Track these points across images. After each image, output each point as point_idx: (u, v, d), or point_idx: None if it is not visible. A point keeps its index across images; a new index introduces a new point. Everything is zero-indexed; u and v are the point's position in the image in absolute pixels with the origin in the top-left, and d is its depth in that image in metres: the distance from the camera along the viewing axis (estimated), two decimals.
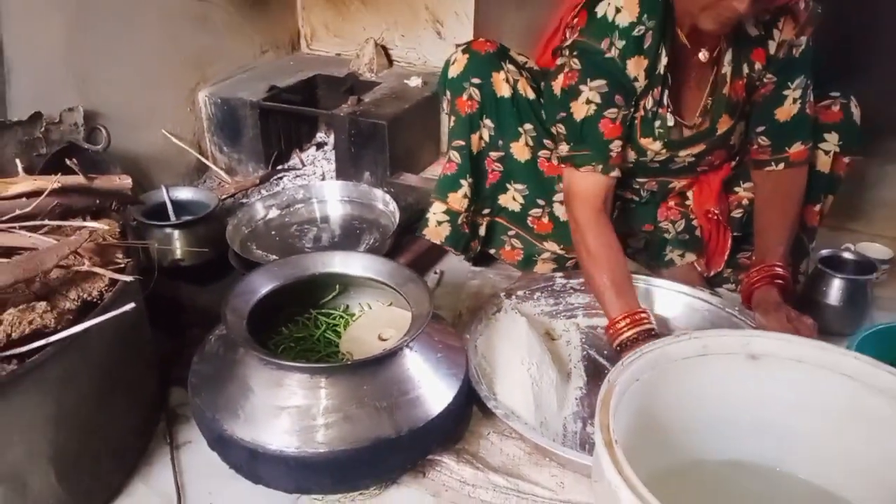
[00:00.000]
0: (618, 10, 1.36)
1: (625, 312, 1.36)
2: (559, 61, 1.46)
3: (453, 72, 1.59)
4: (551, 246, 1.71)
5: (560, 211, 1.65)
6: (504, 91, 1.57)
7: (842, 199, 1.69)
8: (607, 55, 1.38)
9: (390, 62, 2.66)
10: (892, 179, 1.99)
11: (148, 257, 1.49)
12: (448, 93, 1.61)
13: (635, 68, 1.39)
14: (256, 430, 1.10)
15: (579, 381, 1.46)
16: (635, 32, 1.36)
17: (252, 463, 1.12)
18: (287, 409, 1.11)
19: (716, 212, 1.62)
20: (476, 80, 1.57)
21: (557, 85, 1.46)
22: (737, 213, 1.66)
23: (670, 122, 1.47)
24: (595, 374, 1.47)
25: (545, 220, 1.68)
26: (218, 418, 1.13)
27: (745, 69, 1.47)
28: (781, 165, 1.52)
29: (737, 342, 0.96)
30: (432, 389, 1.18)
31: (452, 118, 1.62)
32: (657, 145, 1.50)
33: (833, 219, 1.79)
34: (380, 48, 2.61)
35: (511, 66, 1.58)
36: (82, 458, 1.13)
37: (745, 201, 1.64)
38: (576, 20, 1.43)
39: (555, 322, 1.62)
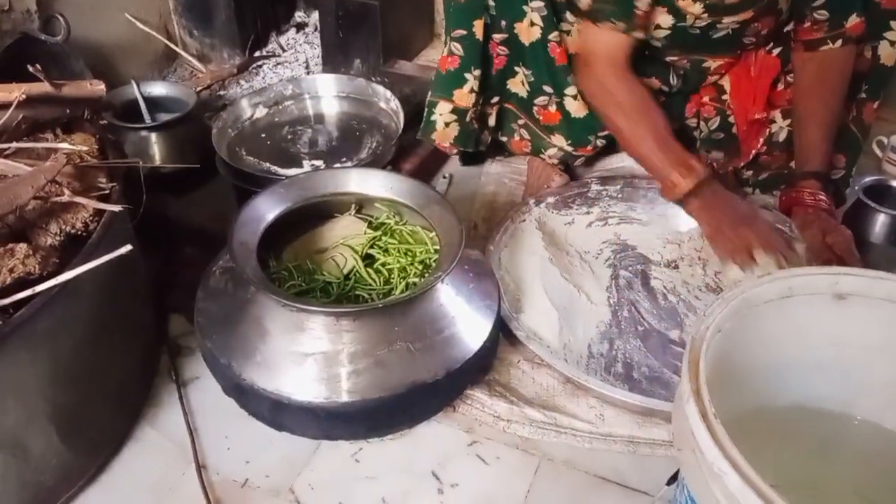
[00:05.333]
0: None
1: (675, 164, 1.29)
2: None
3: None
4: (559, 140, 1.53)
5: (572, 106, 1.47)
6: None
7: None
8: None
9: None
10: None
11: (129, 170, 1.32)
12: None
13: None
14: (279, 378, 1.00)
15: (608, 296, 1.37)
16: None
17: (275, 413, 1.03)
18: (312, 356, 0.99)
19: (764, 116, 1.47)
20: None
21: None
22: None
23: None
24: (626, 289, 1.38)
25: (552, 108, 1.50)
26: (234, 365, 1.02)
27: None
28: (839, 42, 1.34)
29: (824, 281, 0.87)
30: (468, 325, 1.08)
31: (451, 3, 1.41)
32: (698, 7, 1.30)
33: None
34: None
35: None
36: (84, 411, 1.01)
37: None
38: None
39: (587, 233, 1.50)
